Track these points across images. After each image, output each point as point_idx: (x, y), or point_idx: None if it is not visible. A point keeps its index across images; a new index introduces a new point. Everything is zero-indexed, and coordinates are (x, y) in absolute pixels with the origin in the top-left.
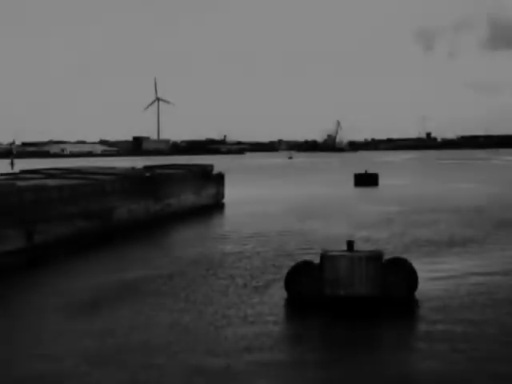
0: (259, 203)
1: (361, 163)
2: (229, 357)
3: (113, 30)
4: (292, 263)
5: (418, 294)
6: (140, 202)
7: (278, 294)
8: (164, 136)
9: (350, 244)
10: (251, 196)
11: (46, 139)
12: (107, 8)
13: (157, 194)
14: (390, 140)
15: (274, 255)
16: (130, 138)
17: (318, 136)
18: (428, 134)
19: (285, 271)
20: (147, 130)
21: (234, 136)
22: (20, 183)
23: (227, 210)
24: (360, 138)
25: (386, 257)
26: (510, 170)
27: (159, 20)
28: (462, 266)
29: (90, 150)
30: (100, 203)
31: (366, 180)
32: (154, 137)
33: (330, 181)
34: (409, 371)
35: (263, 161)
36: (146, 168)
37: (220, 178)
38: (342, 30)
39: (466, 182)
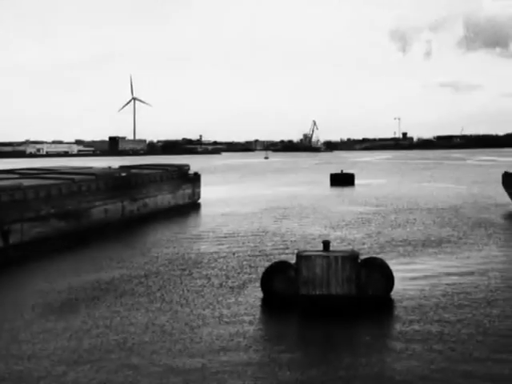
0: (235, 203)
1: (337, 163)
2: (204, 357)
3: (89, 31)
4: (268, 263)
5: (393, 293)
6: (116, 201)
7: (254, 293)
8: (140, 136)
9: (326, 244)
10: (227, 196)
11: (22, 139)
12: (82, 8)
13: (133, 193)
14: (365, 140)
15: (249, 255)
16: (106, 138)
17: (294, 136)
18: (404, 134)
19: (261, 271)
20: (123, 130)
21: (210, 136)
22: None
23: (203, 210)
24: (336, 137)
25: (362, 257)
26: (486, 171)
27: (135, 20)
28: (437, 266)
29: (66, 149)
30: (76, 203)
31: (342, 180)
32: (130, 137)
33: (306, 181)
34: (385, 371)
35: (239, 161)
36: (122, 168)
37: (196, 177)
38: (318, 31)
39: (442, 182)
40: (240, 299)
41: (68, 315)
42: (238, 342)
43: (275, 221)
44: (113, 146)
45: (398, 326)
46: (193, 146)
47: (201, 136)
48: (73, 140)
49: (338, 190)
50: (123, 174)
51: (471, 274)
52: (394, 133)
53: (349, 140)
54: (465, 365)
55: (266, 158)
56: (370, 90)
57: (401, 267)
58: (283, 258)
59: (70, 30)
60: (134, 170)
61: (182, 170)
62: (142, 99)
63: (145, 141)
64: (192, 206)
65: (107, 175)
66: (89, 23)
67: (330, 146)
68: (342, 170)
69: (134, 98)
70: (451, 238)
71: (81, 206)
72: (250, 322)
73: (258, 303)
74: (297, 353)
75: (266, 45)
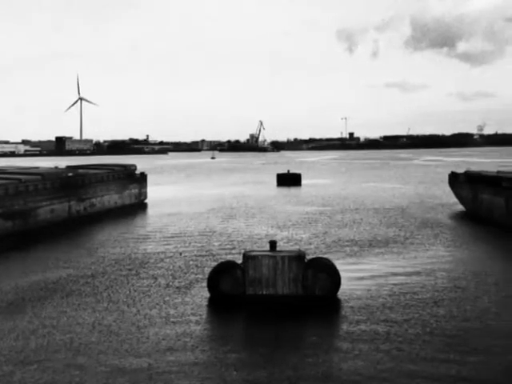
0: (182, 203)
1: (284, 163)
2: (151, 357)
3: (36, 30)
4: (215, 263)
5: (340, 293)
6: (63, 201)
7: (201, 293)
8: (87, 136)
9: (273, 244)
10: (174, 196)
11: None
12: (27, 7)
13: (80, 193)
14: (312, 140)
15: (196, 255)
16: (52, 138)
17: (241, 136)
18: (351, 134)
19: (207, 271)
20: (70, 129)
21: (156, 136)
22: None
23: (150, 210)
24: (283, 137)
25: (309, 257)
26: (432, 170)
27: (81, 19)
28: (384, 266)
29: (12, 149)
30: (23, 203)
31: (289, 180)
32: (77, 137)
33: (253, 181)
34: (332, 371)
35: (186, 161)
36: (69, 168)
37: (143, 177)
38: (264, 31)
39: (389, 182)
40: (187, 299)
41: (15, 315)
42: (184, 342)
43: (222, 221)
44: (59, 145)
45: (344, 326)
46: (139, 146)
47: (147, 136)
48: (19, 140)
49: (284, 190)
50: (70, 174)
51: (418, 273)
52: (341, 133)
53: (295, 140)
54: (411, 365)
55: (213, 158)
56: (316, 89)
57: (347, 267)
58: (230, 257)
59: (15, 29)
60: (80, 170)
61: (128, 170)
62: (89, 99)
63: (91, 141)
64: (139, 206)
65: (54, 175)
66: (34, 22)
67: (277, 146)
68: (288, 170)
69: (81, 98)
70: (398, 238)
71: (27, 205)
72: (197, 322)
73: (205, 303)
74: (243, 353)
75: (213, 44)
